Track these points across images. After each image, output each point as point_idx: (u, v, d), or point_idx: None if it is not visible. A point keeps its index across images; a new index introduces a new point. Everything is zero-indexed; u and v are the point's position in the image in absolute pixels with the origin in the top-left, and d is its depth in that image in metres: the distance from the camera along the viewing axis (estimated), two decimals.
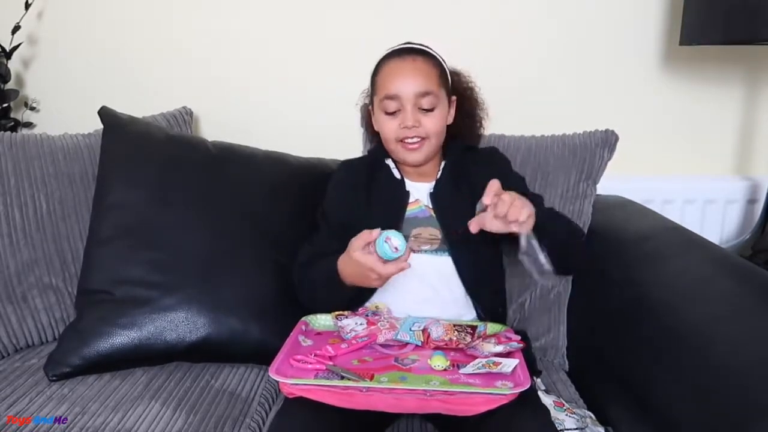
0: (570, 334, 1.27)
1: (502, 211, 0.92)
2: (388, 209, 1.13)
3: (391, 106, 1.11)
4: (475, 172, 1.16)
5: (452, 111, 1.17)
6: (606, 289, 1.19)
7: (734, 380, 0.82)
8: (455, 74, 1.20)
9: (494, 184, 0.94)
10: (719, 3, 1.31)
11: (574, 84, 1.60)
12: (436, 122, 1.12)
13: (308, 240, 1.17)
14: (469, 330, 1.01)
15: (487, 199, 0.93)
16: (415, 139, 1.11)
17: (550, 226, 1.03)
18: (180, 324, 1.11)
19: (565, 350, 1.27)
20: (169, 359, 1.14)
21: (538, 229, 0.95)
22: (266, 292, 1.17)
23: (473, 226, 0.96)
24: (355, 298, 1.10)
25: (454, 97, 1.18)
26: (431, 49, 1.15)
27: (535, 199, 1.14)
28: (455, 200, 1.13)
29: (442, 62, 1.15)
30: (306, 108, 1.62)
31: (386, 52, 1.15)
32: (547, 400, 1.03)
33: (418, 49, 1.13)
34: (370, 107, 1.20)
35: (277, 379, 0.89)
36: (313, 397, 0.87)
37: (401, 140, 1.12)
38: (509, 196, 0.93)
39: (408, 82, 1.09)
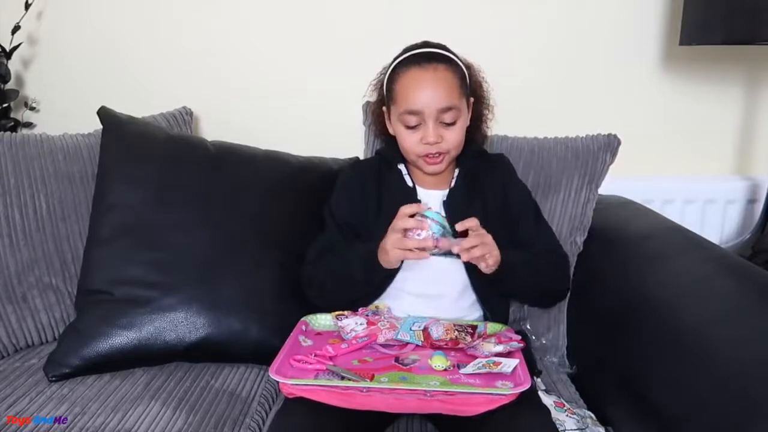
0: (570, 334, 1.27)
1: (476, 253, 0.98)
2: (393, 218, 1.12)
3: (412, 120, 1.08)
4: (487, 181, 1.17)
5: (470, 114, 1.15)
6: (606, 289, 1.19)
7: (734, 380, 0.82)
8: (468, 67, 1.15)
9: (471, 222, 0.99)
10: (719, 3, 1.31)
11: (574, 84, 1.60)
12: (456, 135, 1.09)
13: (316, 238, 1.17)
14: (469, 330, 1.01)
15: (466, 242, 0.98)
16: (436, 155, 1.10)
17: (521, 271, 1.08)
18: (180, 324, 1.11)
19: (565, 350, 1.27)
20: (169, 359, 1.14)
21: (507, 272, 1.04)
22: (266, 292, 1.16)
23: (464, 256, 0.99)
24: (360, 297, 1.11)
25: (471, 99, 1.15)
26: (449, 51, 1.12)
27: (534, 213, 1.19)
28: (468, 209, 1.12)
29: (461, 65, 1.12)
30: (306, 107, 1.61)
31: (405, 56, 1.11)
32: (547, 400, 1.03)
33: (438, 55, 1.09)
34: (384, 109, 1.17)
35: (277, 380, 0.89)
36: (314, 397, 0.87)
37: (422, 155, 1.10)
38: (486, 247, 0.99)
39: (430, 96, 1.05)
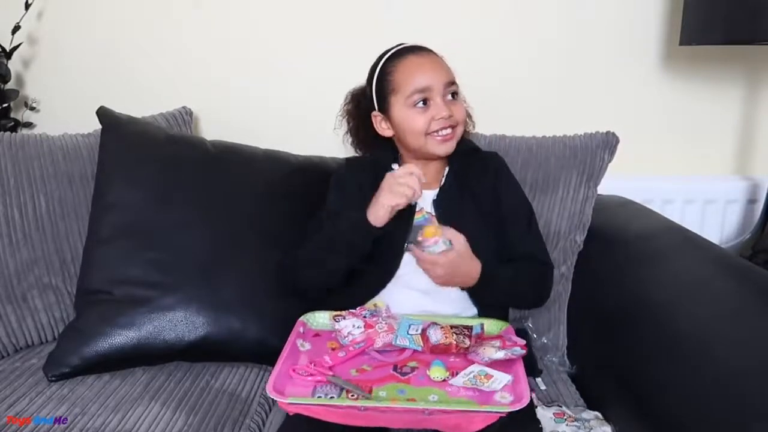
0: (570, 334, 1.27)
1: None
2: (396, 219, 1.10)
3: (421, 99, 1.09)
4: (479, 181, 1.16)
5: None
6: (606, 289, 1.19)
7: (734, 380, 0.82)
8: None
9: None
10: (719, 3, 1.31)
11: (574, 84, 1.60)
12: (462, 109, 1.13)
13: (309, 236, 1.14)
14: (466, 332, 1.00)
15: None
16: (448, 130, 1.10)
17: (500, 286, 1.10)
18: (179, 324, 1.11)
19: (565, 349, 1.27)
20: (169, 359, 1.14)
21: (484, 287, 1.07)
22: (266, 292, 1.16)
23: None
24: (340, 267, 1.10)
25: None
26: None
27: (526, 219, 1.17)
28: (458, 208, 1.12)
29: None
30: (306, 107, 1.61)
31: (391, 53, 1.14)
32: (546, 413, 1.02)
33: (424, 46, 1.13)
34: (374, 114, 1.16)
35: (275, 399, 0.87)
36: (312, 414, 0.87)
37: (432, 133, 1.10)
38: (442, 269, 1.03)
39: (435, 73, 1.09)
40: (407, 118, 1.11)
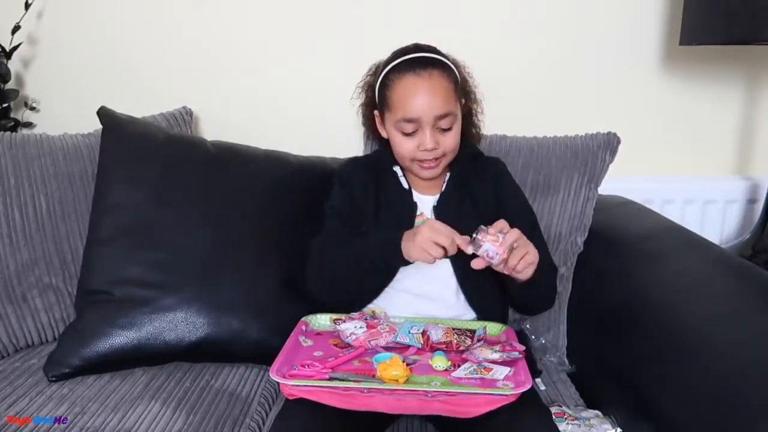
0: (570, 334, 1.27)
1: (512, 264, 0.95)
2: (397, 222, 1.11)
3: (409, 127, 1.07)
4: (479, 187, 1.16)
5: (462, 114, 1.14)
6: (606, 289, 1.19)
7: (734, 380, 0.82)
8: (455, 64, 1.13)
9: (500, 224, 0.97)
10: (719, 3, 1.31)
11: (574, 84, 1.60)
12: (453, 139, 1.09)
13: (320, 232, 1.14)
14: (468, 333, 1.00)
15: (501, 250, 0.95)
16: (432, 161, 1.09)
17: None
18: (179, 324, 1.11)
19: (565, 350, 1.27)
20: (169, 359, 1.14)
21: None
22: (266, 292, 1.16)
23: (477, 264, 0.97)
24: (368, 288, 1.10)
25: (463, 100, 1.14)
26: (440, 53, 1.11)
27: (530, 224, 1.15)
28: (458, 215, 1.12)
29: (454, 68, 1.11)
30: (306, 107, 1.61)
31: (397, 61, 1.09)
32: None
33: (432, 60, 1.07)
34: (376, 113, 1.16)
35: (278, 381, 0.88)
36: (314, 398, 0.87)
37: (416, 159, 1.09)
38: (521, 250, 0.95)
39: (427, 104, 1.05)
40: (394, 140, 1.11)
